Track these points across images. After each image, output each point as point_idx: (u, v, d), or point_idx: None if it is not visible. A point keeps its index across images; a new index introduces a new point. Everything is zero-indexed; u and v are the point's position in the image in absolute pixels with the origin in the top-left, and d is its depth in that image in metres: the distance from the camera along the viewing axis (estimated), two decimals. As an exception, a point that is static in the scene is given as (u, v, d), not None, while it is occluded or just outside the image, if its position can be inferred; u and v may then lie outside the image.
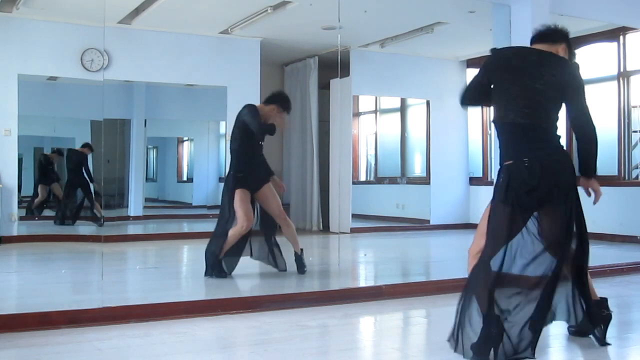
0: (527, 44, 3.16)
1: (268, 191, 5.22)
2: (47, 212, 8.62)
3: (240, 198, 5.04)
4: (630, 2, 5.84)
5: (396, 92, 9.95)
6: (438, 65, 9.64)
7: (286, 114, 5.24)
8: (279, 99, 5.22)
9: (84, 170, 8.60)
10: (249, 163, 5.14)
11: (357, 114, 10.63)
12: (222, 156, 6.96)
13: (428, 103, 9.78)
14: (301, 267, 5.23)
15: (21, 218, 7.79)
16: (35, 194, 8.59)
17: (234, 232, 5.02)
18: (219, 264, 5.02)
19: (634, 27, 7.02)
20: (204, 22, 7.85)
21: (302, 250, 5.27)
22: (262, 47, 8.51)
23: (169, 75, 8.34)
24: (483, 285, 2.88)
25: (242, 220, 4.98)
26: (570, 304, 3.15)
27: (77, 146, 8.76)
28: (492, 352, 2.79)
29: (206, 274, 5.03)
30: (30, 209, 8.46)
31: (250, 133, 5.07)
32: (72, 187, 8.65)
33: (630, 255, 6.19)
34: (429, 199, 9.55)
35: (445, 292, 4.50)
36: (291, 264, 5.25)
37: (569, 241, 3.04)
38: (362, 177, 10.84)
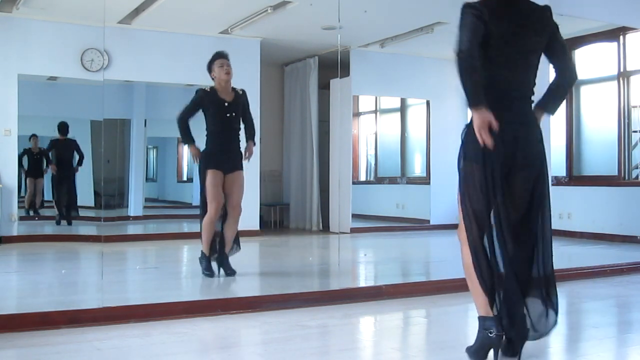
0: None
1: (237, 177, 5.08)
2: (48, 212, 8.61)
3: (209, 182, 4.97)
4: (630, 2, 5.84)
5: (396, 92, 9.96)
6: (438, 65, 9.63)
7: (218, 63, 5.09)
8: (211, 59, 5.16)
9: (72, 161, 8.54)
10: (221, 141, 5.03)
11: (357, 114, 10.64)
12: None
13: (428, 103, 9.78)
14: (229, 269, 5.03)
15: (21, 218, 7.80)
16: (25, 190, 8.54)
17: (204, 222, 4.98)
18: (207, 262, 5.02)
19: (634, 27, 7.02)
20: (204, 22, 7.85)
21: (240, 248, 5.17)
22: (262, 47, 8.51)
23: (169, 75, 8.34)
24: (482, 286, 2.78)
25: (210, 205, 4.93)
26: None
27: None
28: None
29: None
30: (27, 210, 8.41)
31: (206, 112, 5.02)
32: (60, 183, 8.61)
33: (630, 255, 6.19)
34: (429, 199, 9.55)
35: (445, 292, 4.51)
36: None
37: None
38: (362, 177, 10.84)
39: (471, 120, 2.78)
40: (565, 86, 2.92)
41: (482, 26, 2.67)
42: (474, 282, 2.79)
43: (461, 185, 2.81)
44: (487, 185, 2.73)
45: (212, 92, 5.08)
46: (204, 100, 5.04)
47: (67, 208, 8.61)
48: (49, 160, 8.64)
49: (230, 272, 5.04)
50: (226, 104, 5.04)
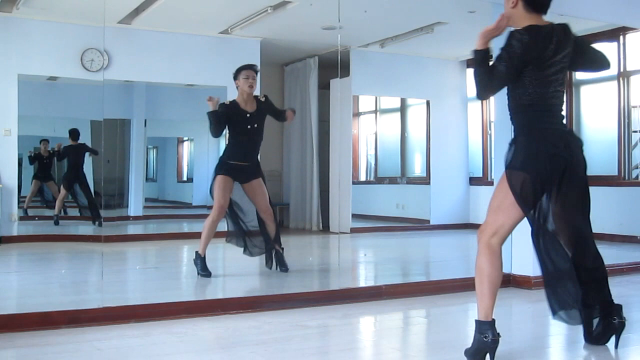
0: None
1: (257, 184, 5.22)
2: (48, 212, 8.60)
3: (218, 185, 5.07)
4: (630, 2, 5.82)
5: (396, 92, 9.95)
6: (438, 65, 9.64)
7: (244, 74, 5.09)
8: (239, 68, 5.17)
9: (82, 167, 8.57)
10: (241, 153, 5.14)
11: (357, 114, 10.64)
12: (222, 156, 6.97)
13: (428, 103, 9.78)
14: (283, 265, 5.23)
15: (21, 218, 7.79)
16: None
17: (207, 223, 5.04)
18: (202, 263, 5.03)
19: (634, 27, 7.01)
20: (204, 22, 7.84)
21: (282, 249, 5.30)
22: (262, 47, 8.51)
23: (169, 75, 8.34)
24: (489, 290, 2.82)
25: (214, 207, 5.03)
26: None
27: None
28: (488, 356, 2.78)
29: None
30: (24, 210, 8.38)
31: (229, 125, 5.09)
32: (69, 184, 8.62)
33: (630, 255, 6.19)
34: (429, 199, 9.55)
35: (445, 292, 4.51)
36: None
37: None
38: (362, 177, 10.84)
39: (518, 133, 2.94)
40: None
41: (520, 59, 2.83)
42: (483, 285, 2.82)
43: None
44: (530, 197, 2.85)
45: (233, 104, 5.13)
46: (226, 113, 5.08)
47: (90, 208, 8.63)
48: (59, 157, 8.68)
49: (284, 268, 5.20)
50: (248, 115, 5.13)
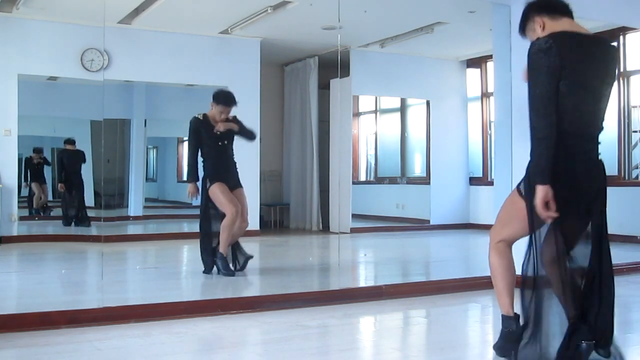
0: (527, 44, 2.85)
1: (240, 194, 5.26)
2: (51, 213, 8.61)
3: (220, 190, 5.09)
4: (630, 2, 5.83)
5: (396, 92, 9.96)
6: (438, 65, 9.64)
7: (221, 108, 5.13)
8: (218, 97, 5.19)
9: (80, 171, 8.57)
10: (223, 166, 5.20)
11: (357, 114, 10.64)
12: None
13: (428, 103, 9.78)
14: (227, 270, 5.07)
15: (22, 218, 7.79)
16: (32, 193, 8.51)
17: (226, 223, 5.04)
18: (224, 262, 5.04)
19: (634, 27, 7.01)
20: (204, 22, 7.85)
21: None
22: (262, 47, 8.51)
23: (169, 75, 8.34)
24: (503, 287, 2.78)
25: (229, 207, 5.02)
26: None
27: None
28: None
29: (205, 271, 5.10)
30: (36, 209, 8.39)
31: (201, 140, 5.15)
32: (71, 188, 8.62)
33: (630, 255, 6.18)
34: (429, 199, 9.55)
35: (445, 292, 4.51)
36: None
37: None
38: (362, 177, 10.84)
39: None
40: None
41: (558, 73, 2.48)
42: (498, 283, 2.83)
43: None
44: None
45: (205, 119, 5.18)
46: (199, 127, 5.15)
47: (77, 214, 8.63)
48: (49, 165, 8.67)
49: (227, 273, 5.08)
50: (218, 132, 5.16)
